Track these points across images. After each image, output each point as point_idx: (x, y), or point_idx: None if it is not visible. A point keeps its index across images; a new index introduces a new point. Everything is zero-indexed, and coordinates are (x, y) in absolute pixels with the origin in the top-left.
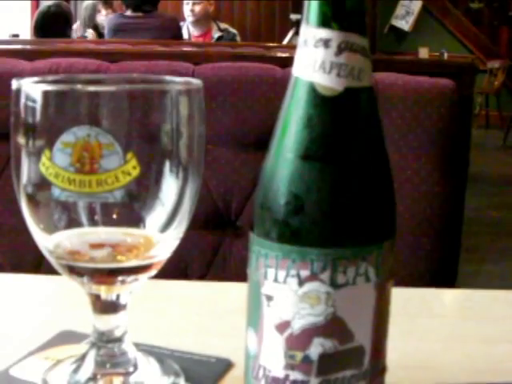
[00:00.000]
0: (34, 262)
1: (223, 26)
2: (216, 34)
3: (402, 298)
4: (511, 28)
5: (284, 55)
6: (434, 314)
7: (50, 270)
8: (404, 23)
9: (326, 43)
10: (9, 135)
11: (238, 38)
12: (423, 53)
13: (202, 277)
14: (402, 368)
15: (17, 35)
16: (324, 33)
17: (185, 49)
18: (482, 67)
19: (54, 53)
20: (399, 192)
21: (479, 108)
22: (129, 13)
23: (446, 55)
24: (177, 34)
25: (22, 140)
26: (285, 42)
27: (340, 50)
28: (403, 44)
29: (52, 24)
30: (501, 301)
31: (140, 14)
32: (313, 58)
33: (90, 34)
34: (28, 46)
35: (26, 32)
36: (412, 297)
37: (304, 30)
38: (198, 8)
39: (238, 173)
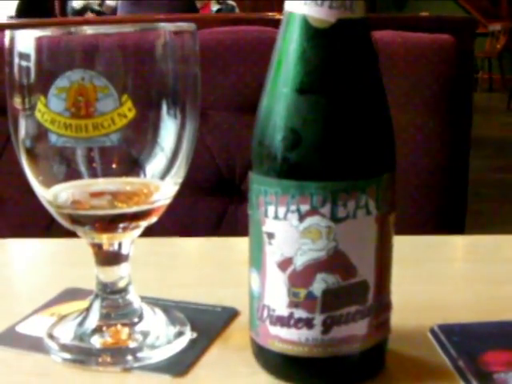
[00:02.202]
0: (39, 236)
1: None
2: (215, 7)
3: (408, 244)
4: None
5: (282, 17)
6: (441, 259)
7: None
8: None
9: None
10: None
11: (237, 10)
12: None
13: None
14: (408, 310)
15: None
16: None
17: (185, 15)
18: (484, 30)
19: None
20: (403, 149)
21: (482, 72)
22: None
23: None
24: (191, 6)
25: (17, 97)
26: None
27: None
28: (403, 9)
29: (32, 8)
30: (507, 244)
31: None
32: None
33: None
34: (26, 21)
35: None
36: (419, 243)
37: None
38: None
39: (241, 137)
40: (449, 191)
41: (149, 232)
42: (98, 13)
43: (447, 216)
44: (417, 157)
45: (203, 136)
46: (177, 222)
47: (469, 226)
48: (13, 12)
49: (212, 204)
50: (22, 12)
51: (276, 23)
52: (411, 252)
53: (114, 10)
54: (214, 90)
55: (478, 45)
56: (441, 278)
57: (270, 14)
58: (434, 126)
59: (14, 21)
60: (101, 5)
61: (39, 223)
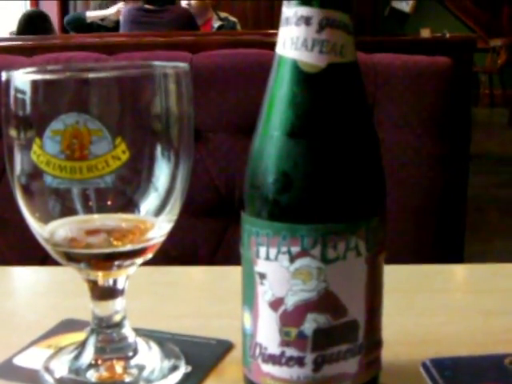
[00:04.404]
0: (40, 258)
1: (223, 14)
2: (216, 24)
3: (401, 274)
4: None
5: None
6: (434, 289)
7: (55, 265)
8: (404, 5)
9: (308, 20)
10: None
11: (239, 27)
12: (425, 34)
13: (209, 265)
14: (401, 343)
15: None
16: (305, 10)
17: (184, 38)
18: (485, 46)
19: (54, 47)
20: (401, 171)
21: (483, 87)
22: (143, 6)
23: (447, 36)
24: (191, 23)
25: (13, 130)
26: None
27: (321, 27)
28: (405, 26)
29: (30, 27)
30: (501, 274)
31: (154, 8)
32: (295, 36)
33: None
34: (28, 43)
35: None
36: (412, 273)
37: (285, 8)
38: (193, 2)
39: (240, 160)
40: (447, 213)
41: None
42: (99, 27)
43: (446, 237)
44: (415, 179)
45: (202, 158)
46: (177, 243)
47: (469, 241)
48: (13, 28)
49: (211, 225)
50: (22, 29)
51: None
52: (405, 282)
53: (115, 23)
54: (213, 112)
55: (479, 60)
56: (434, 310)
57: (271, 31)
58: (433, 148)
59: (13, 42)
60: (103, 19)
61: (40, 247)
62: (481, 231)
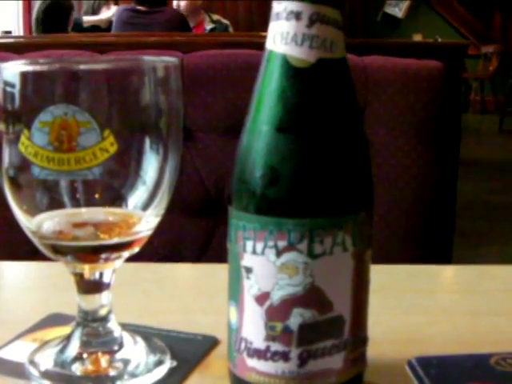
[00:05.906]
0: (29, 255)
1: (215, 17)
2: (208, 26)
3: (388, 274)
4: (504, 12)
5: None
6: (421, 289)
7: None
8: (397, 10)
9: (298, 15)
10: None
11: (231, 29)
12: (417, 39)
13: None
14: (387, 342)
15: (9, 32)
16: (295, 5)
17: (176, 38)
18: (477, 52)
19: (46, 46)
20: (391, 174)
21: (474, 93)
22: (136, 7)
23: (439, 41)
24: (184, 25)
25: (1, 124)
26: None
27: (311, 22)
28: (397, 31)
29: (51, 16)
30: (487, 275)
31: (146, 9)
32: (285, 31)
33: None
34: (20, 40)
35: (18, 29)
36: (399, 273)
37: (276, 3)
38: (182, 3)
39: (230, 159)
40: (436, 217)
41: (138, 252)
42: (93, 27)
43: (434, 242)
44: (405, 182)
45: (192, 158)
46: (166, 242)
47: (459, 247)
48: (7, 27)
49: (201, 225)
50: (40, 24)
51: None
52: (392, 282)
53: (109, 23)
54: (204, 112)
55: (470, 66)
56: (421, 309)
57: (263, 33)
58: (422, 151)
59: (4, 40)
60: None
61: (29, 242)
62: (471, 237)
